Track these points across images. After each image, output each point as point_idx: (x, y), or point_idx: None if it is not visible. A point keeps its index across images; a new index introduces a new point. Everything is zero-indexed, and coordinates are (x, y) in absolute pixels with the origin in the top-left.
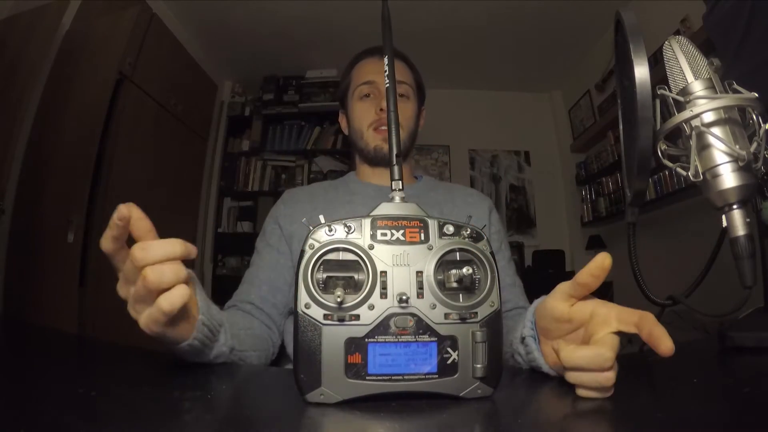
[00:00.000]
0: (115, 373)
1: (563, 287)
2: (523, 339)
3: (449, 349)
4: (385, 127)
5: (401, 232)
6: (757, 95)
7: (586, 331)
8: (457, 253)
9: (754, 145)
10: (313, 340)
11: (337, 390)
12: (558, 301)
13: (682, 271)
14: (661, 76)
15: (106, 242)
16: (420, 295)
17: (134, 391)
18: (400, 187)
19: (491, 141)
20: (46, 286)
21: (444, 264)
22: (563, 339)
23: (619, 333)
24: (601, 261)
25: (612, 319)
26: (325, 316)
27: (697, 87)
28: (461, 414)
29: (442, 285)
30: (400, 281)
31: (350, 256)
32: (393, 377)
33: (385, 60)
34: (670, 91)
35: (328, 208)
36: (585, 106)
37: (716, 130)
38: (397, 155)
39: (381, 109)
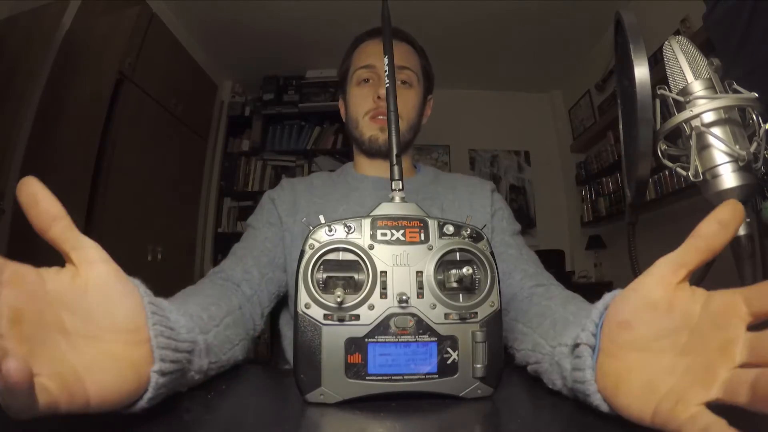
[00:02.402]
0: None
1: (669, 256)
2: (576, 347)
3: (449, 349)
4: (382, 117)
5: (401, 232)
6: (757, 95)
7: (691, 336)
8: (457, 253)
9: (754, 145)
10: (313, 340)
11: (337, 390)
12: (659, 274)
13: None
14: (661, 76)
15: None
16: (420, 295)
17: None
18: (400, 187)
19: (491, 141)
20: None
21: (444, 264)
22: (648, 349)
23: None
24: (732, 206)
25: (740, 304)
26: (325, 316)
27: (697, 87)
28: (461, 414)
29: (442, 285)
30: (400, 281)
31: (350, 256)
32: (393, 377)
33: (385, 60)
34: (670, 91)
35: (327, 203)
36: (585, 106)
37: (716, 130)
38: (397, 155)
39: (379, 97)
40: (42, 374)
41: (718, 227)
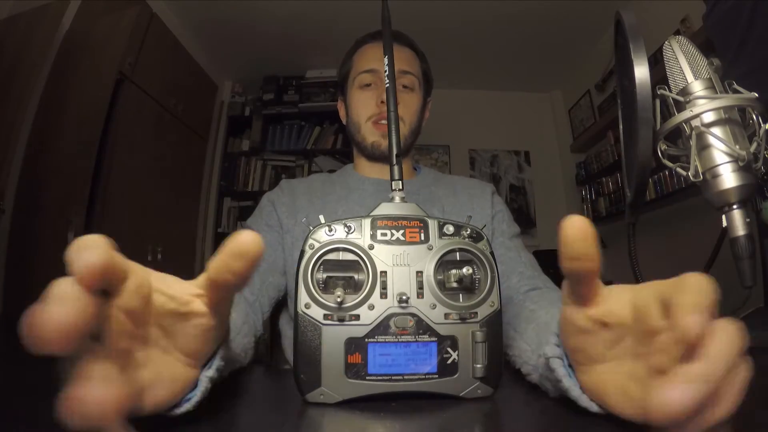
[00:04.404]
0: None
1: (564, 284)
2: (547, 360)
3: (449, 349)
4: (384, 122)
5: (401, 232)
6: (757, 95)
7: (633, 341)
8: (457, 253)
9: (754, 145)
10: (313, 340)
11: (337, 390)
12: (569, 308)
13: (682, 271)
14: (661, 76)
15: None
16: (420, 295)
17: None
18: (400, 187)
19: (491, 141)
20: (46, 286)
21: (444, 264)
22: (607, 359)
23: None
24: (571, 224)
25: (655, 303)
26: (325, 316)
27: (697, 87)
28: (461, 414)
29: (442, 285)
30: (400, 281)
31: (350, 256)
32: (393, 377)
33: (385, 61)
34: (670, 91)
35: (326, 204)
36: (585, 106)
37: (716, 130)
38: (397, 155)
39: (382, 102)
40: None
41: (577, 264)
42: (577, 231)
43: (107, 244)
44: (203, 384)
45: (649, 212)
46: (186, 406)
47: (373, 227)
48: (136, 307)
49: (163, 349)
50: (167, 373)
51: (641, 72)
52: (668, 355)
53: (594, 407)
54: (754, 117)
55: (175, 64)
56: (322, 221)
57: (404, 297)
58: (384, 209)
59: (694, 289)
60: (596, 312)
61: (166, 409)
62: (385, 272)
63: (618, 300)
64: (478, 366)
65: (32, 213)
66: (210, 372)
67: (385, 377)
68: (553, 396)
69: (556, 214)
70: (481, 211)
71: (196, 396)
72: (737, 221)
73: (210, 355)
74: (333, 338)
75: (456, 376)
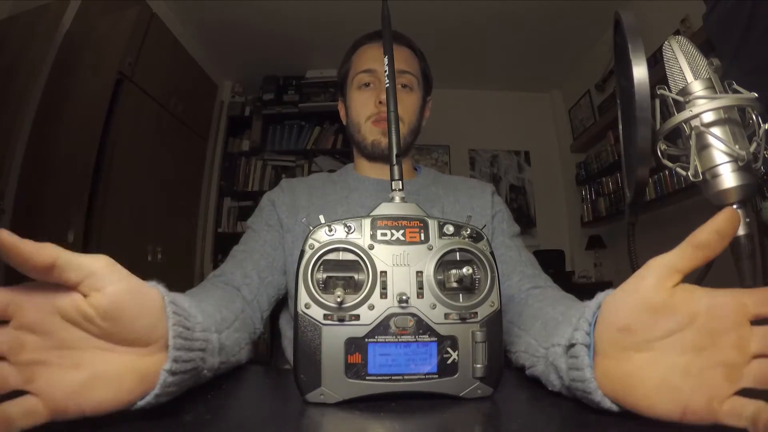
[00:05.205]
0: None
1: (662, 260)
2: (571, 347)
3: (449, 349)
4: (384, 121)
5: (401, 232)
6: (757, 95)
7: (698, 335)
8: (457, 253)
9: (754, 145)
10: (313, 340)
11: (337, 390)
12: (655, 278)
13: None
14: (660, 76)
15: None
16: (420, 295)
17: None
18: (400, 187)
19: (491, 141)
20: None
21: (444, 264)
22: (653, 349)
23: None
24: (730, 215)
25: (746, 306)
26: (325, 316)
27: (697, 87)
28: (461, 414)
29: (442, 285)
30: (400, 281)
31: (350, 256)
32: (393, 377)
33: (385, 60)
34: (670, 91)
35: (327, 204)
36: (585, 106)
37: (716, 130)
38: (397, 155)
39: (380, 102)
40: (37, 395)
41: (716, 237)
42: (734, 219)
43: None
44: (161, 377)
45: (649, 212)
46: (147, 399)
47: (373, 227)
48: (31, 323)
49: (101, 348)
50: (112, 370)
51: (639, 72)
52: (742, 353)
53: (607, 402)
54: (754, 117)
55: (175, 64)
56: (322, 221)
57: (404, 297)
58: (384, 209)
59: None
60: (673, 293)
61: (121, 406)
62: (385, 272)
63: (693, 294)
64: (478, 366)
65: (32, 213)
66: (167, 365)
67: (385, 377)
68: (552, 390)
69: (556, 214)
70: (481, 211)
71: (156, 389)
72: None
73: (162, 336)
74: (333, 338)
75: (456, 376)
